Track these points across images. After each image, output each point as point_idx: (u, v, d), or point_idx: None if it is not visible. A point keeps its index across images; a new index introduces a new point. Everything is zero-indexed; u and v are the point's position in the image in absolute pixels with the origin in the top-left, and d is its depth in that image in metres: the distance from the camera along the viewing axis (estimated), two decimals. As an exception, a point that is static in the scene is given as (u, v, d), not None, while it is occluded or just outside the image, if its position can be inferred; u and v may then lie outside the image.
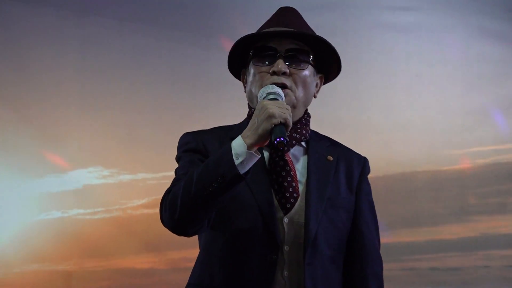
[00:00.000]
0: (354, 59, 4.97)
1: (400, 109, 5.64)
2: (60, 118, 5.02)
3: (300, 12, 2.70)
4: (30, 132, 4.91)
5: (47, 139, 4.96)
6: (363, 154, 2.72)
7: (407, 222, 5.00)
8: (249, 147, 2.33)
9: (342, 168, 2.64)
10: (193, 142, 2.59)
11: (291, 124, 2.34)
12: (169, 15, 5.31)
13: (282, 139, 2.28)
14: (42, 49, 5.01)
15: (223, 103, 5.20)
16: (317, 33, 2.61)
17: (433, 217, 5.61)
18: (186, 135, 2.63)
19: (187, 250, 4.84)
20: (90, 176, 5.07)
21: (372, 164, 2.71)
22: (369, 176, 2.70)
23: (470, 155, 5.70)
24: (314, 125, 2.69)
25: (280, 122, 2.32)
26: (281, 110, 2.33)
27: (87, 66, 5.12)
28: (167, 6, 5.31)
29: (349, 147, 2.75)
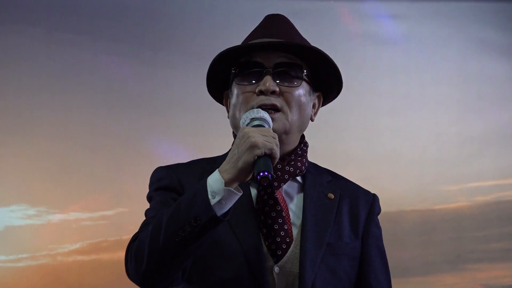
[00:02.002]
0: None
1: (384, 138, 5.38)
2: (-26, 147, 5.00)
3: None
4: None
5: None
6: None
7: (393, 272, 4.70)
8: (228, 183, 2.21)
9: (346, 208, 2.54)
10: (167, 179, 2.49)
11: (278, 156, 2.23)
12: (107, 25, 5.07)
13: (266, 173, 2.16)
14: None
15: (172, 129, 4.85)
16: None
17: (424, 266, 5.30)
18: (159, 170, 2.55)
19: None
20: (12, 216, 4.84)
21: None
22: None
23: (467, 192, 5.41)
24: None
25: (265, 153, 2.20)
26: (266, 139, 2.22)
27: (7, 84, 4.93)
28: (106, 14, 5.09)
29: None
